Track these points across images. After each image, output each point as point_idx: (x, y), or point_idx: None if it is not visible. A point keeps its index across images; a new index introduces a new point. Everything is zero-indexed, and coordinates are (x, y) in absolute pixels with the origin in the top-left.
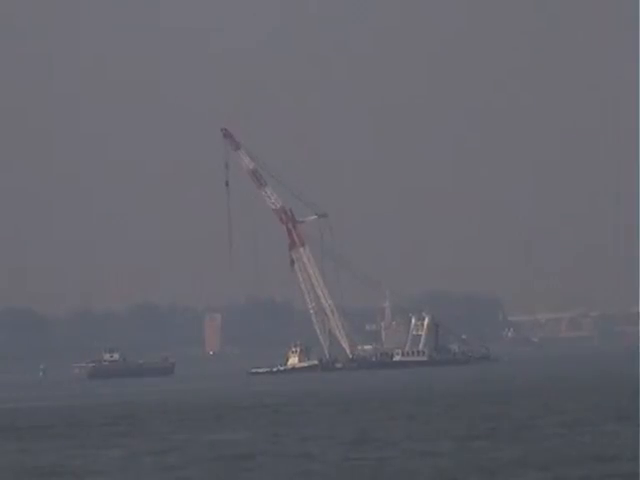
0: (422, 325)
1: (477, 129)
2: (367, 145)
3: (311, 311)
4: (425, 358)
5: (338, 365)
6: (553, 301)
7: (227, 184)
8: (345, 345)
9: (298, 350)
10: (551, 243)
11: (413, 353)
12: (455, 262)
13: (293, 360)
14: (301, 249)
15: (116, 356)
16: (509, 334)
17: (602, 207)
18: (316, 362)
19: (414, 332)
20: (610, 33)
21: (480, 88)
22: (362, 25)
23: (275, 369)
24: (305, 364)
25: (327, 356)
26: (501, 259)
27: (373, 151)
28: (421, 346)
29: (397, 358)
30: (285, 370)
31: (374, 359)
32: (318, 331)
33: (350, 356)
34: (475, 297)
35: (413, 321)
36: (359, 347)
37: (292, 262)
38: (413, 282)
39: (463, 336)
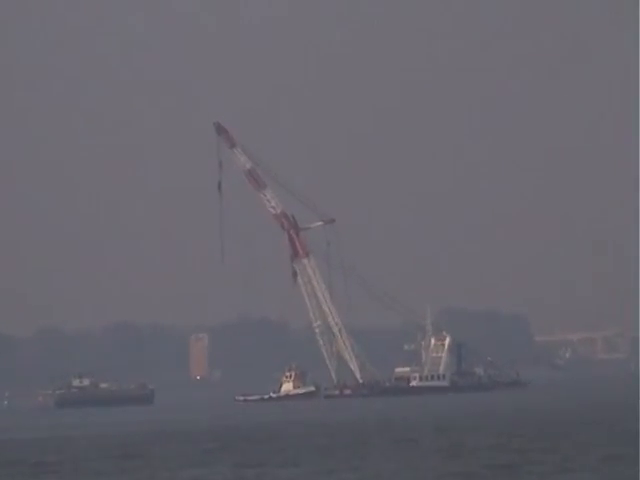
0: (442, 346)
1: (496, 135)
2: (378, 145)
3: (316, 330)
4: (446, 383)
5: (347, 391)
6: (584, 319)
7: (220, 186)
8: (354, 368)
9: (292, 375)
10: (581, 256)
11: (432, 377)
12: (474, 276)
13: (287, 386)
14: (305, 260)
15: (86, 382)
16: (567, 354)
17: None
18: (313, 388)
19: (433, 354)
20: (610, 32)
21: (488, 93)
22: (363, 22)
23: (267, 396)
24: (300, 391)
25: (335, 381)
26: (525, 273)
27: (384, 152)
28: (441, 370)
29: (414, 383)
30: (278, 397)
31: (388, 384)
32: (325, 353)
33: (360, 381)
34: (497, 314)
35: (432, 341)
36: (397, 369)
37: (295, 274)
38: (428, 297)
39: (489, 358)
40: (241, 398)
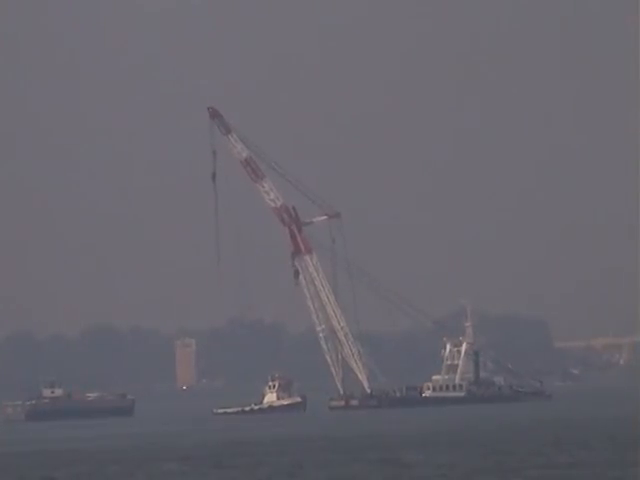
0: (458, 352)
1: (512, 128)
2: (387, 133)
3: (320, 334)
4: (462, 394)
5: (353, 402)
6: (611, 324)
7: (214, 177)
8: (362, 377)
9: (276, 384)
10: (605, 256)
11: (447, 387)
12: (490, 276)
13: (270, 397)
14: (307, 257)
15: (59, 392)
16: (621, 361)
17: None
18: (299, 399)
19: (448, 361)
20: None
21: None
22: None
23: (248, 408)
24: (285, 402)
25: (341, 391)
26: (544, 273)
27: (395, 141)
28: (457, 379)
29: (427, 394)
30: (260, 409)
31: (398, 394)
32: (329, 360)
33: (368, 391)
34: (514, 318)
35: (448, 347)
36: (434, 377)
37: (296, 273)
38: (441, 299)
39: (510, 365)
40: (220, 410)
